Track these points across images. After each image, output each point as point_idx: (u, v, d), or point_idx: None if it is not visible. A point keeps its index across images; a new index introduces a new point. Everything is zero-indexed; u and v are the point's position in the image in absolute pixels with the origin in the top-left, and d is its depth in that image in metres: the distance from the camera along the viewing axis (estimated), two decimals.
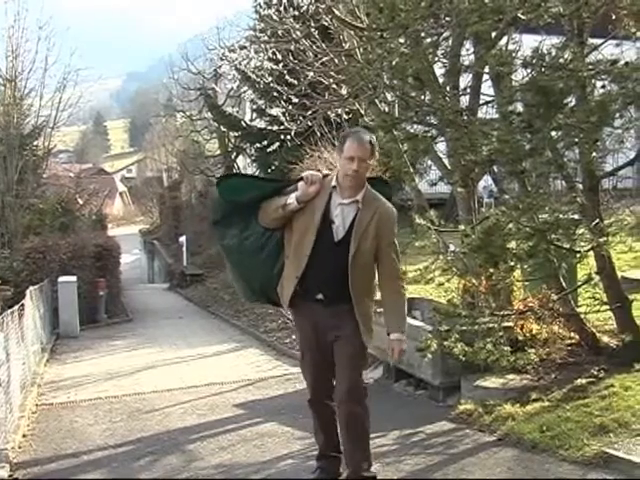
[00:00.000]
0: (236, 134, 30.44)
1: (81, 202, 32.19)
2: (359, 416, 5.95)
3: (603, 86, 7.99)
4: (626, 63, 7.71)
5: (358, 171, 5.75)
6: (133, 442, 8.57)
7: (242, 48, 22.41)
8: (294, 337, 14.87)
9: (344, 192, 5.87)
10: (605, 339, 9.04)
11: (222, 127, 31.34)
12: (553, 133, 8.10)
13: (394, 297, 5.99)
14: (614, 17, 8.44)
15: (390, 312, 5.99)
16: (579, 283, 9.56)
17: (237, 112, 30.73)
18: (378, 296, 6.21)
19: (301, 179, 5.97)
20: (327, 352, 6.03)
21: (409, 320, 9.95)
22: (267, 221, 6.09)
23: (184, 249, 34.78)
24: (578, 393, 7.88)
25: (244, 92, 28.84)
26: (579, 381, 8.16)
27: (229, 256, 6.54)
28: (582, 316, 9.21)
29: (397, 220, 6.06)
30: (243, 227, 6.24)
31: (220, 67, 30.10)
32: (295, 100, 15.18)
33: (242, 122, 28.85)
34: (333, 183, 5.90)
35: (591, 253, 8.56)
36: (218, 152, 34.66)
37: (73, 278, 20.16)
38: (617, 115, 7.89)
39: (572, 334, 9.32)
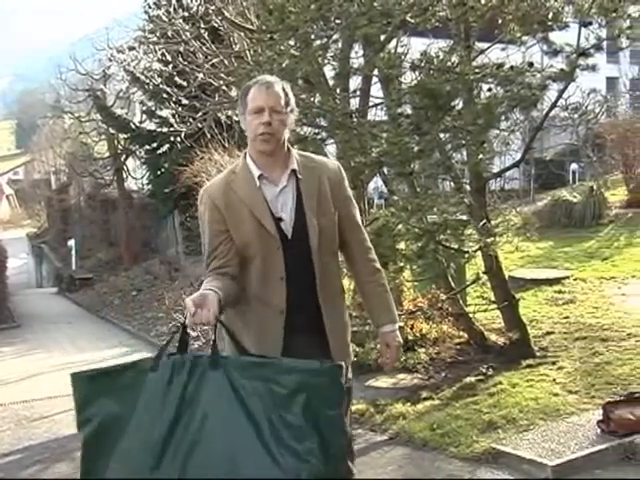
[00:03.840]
0: (125, 136, 30.10)
1: None
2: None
3: (489, 89, 8.15)
4: (511, 67, 7.88)
5: (271, 123, 4.05)
6: (21, 451, 8.38)
7: (131, 49, 22.20)
8: None
9: (272, 172, 4.17)
10: (493, 337, 9.20)
11: (111, 129, 30.90)
12: (441, 135, 8.23)
13: (374, 279, 4.42)
14: (500, 22, 8.59)
15: (374, 300, 4.47)
16: (467, 283, 9.73)
17: (126, 114, 30.33)
18: None
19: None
20: None
21: None
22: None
23: (73, 253, 34.25)
24: (467, 391, 8.00)
25: (133, 93, 28.54)
26: (468, 379, 8.29)
27: None
28: (471, 315, 9.36)
29: None
30: None
31: (109, 68, 29.74)
32: (185, 102, 15.08)
33: (131, 124, 28.51)
34: (255, 172, 4.15)
35: (479, 253, 8.71)
36: (107, 154, 34.17)
37: None
38: (503, 118, 8.07)
39: (461, 333, 9.46)
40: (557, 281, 12.47)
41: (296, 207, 4.16)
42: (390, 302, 4.49)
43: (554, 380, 7.94)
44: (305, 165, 4.25)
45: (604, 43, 8.28)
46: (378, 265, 4.48)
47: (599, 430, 6.53)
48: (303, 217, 4.14)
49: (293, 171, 4.19)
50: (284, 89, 4.17)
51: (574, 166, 24.61)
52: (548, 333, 9.68)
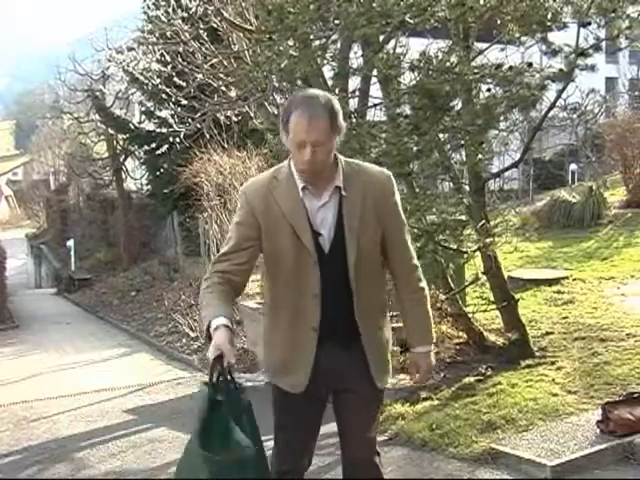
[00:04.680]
0: (124, 136, 30.07)
1: None
2: None
3: (488, 89, 8.15)
4: (510, 67, 7.88)
5: (315, 162, 3.82)
6: (19, 452, 8.36)
7: (130, 49, 22.17)
8: (185, 341, 14.80)
9: (316, 184, 3.97)
10: (492, 338, 9.20)
11: (110, 129, 30.85)
12: (440, 135, 8.23)
13: (414, 298, 4.27)
14: (499, 22, 8.59)
15: (411, 319, 4.35)
16: (466, 283, 9.73)
17: (125, 114, 30.33)
18: None
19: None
20: (319, 411, 4.27)
21: None
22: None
23: (72, 253, 34.16)
24: (466, 391, 8.00)
25: (132, 94, 28.52)
26: (467, 379, 8.29)
27: None
28: (470, 315, 9.36)
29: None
30: None
31: (108, 69, 29.71)
32: (184, 102, 15.04)
33: (130, 124, 28.50)
34: (299, 183, 3.96)
35: (478, 253, 8.71)
36: (106, 154, 34.11)
37: None
38: (502, 118, 8.08)
39: (460, 333, 9.46)
40: (556, 281, 12.47)
41: (336, 224, 3.97)
42: (428, 323, 4.36)
43: (553, 380, 7.95)
44: (351, 178, 4.00)
45: (603, 43, 8.29)
46: (422, 284, 4.28)
47: (598, 430, 6.54)
48: (342, 235, 3.96)
49: (337, 187, 3.97)
50: (331, 110, 3.84)
51: (573, 166, 24.61)
52: (547, 333, 9.69)
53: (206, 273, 4.05)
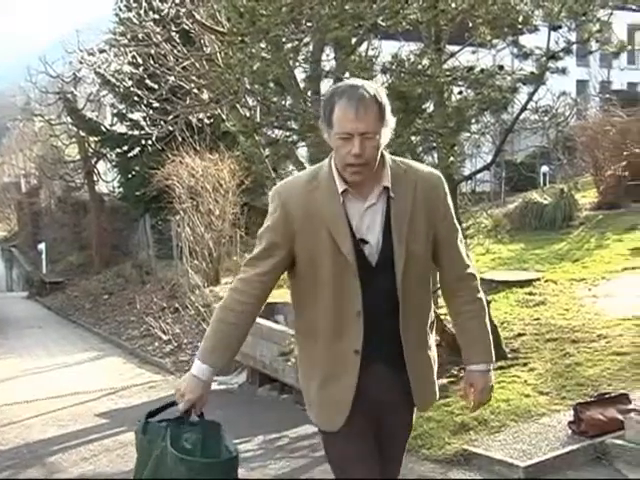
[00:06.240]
0: (96, 139, 29.98)
1: None
2: None
3: (460, 92, 8.19)
4: (482, 70, 7.93)
5: (363, 155, 3.35)
6: None
7: (102, 52, 22.10)
8: (157, 344, 14.76)
9: (361, 186, 3.48)
10: None
11: (82, 132, 30.73)
12: (412, 138, 8.24)
13: (472, 309, 3.83)
14: (470, 25, 8.63)
15: (466, 334, 3.84)
16: (438, 285, 9.72)
17: (97, 116, 30.23)
18: None
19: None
20: (372, 441, 3.72)
21: (271, 325, 9.98)
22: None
23: (43, 256, 34.01)
24: (439, 393, 7.99)
25: (104, 96, 28.43)
26: (440, 381, 8.23)
27: None
28: (442, 317, 9.37)
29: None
30: None
31: (79, 71, 29.59)
32: (156, 105, 15.04)
33: (102, 127, 28.43)
34: (340, 186, 3.48)
35: None
36: (78, 157, 33.96)
37: None
38: (474, 120, 8.11)
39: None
40: (528, 283, 12.49)
41: (384, 229, 3.51)
42: (485, 338, 3.81)
43: (525, 381, 7.98)
44: (399, 178, 3.53)
45: (574, 46, 8.35)
46: (480, 295, 3.87)
47: (570, 431, 6.58)
48: (390, 242, 3.49)
49: (385, 188, 3.50)
50: (377, 100, 3.38)
51: (545, 168, 24.73)
52: (519, 335, 9.72)
53: (237, 275, 3.71)
